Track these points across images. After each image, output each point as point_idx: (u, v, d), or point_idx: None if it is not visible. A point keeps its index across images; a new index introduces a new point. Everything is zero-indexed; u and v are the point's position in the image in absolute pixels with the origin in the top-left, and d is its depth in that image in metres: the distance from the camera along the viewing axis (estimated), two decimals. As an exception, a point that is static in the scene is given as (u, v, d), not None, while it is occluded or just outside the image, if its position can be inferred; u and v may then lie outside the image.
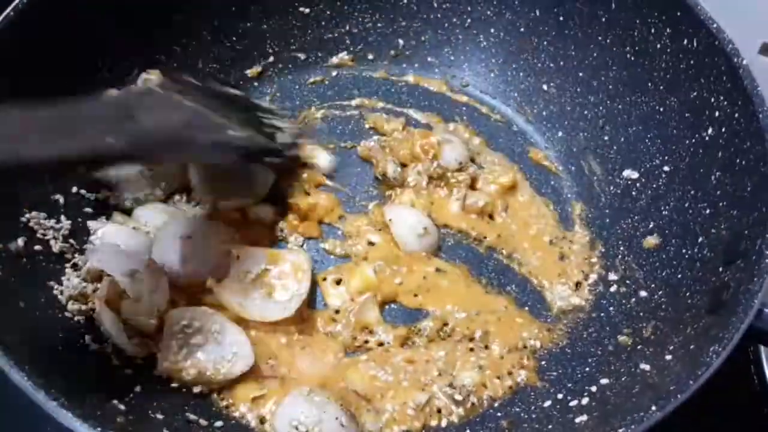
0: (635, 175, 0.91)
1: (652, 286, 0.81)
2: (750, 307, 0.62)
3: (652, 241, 0.85)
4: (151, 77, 0.92)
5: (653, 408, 0.57)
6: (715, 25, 0.80)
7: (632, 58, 0.91)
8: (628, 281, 0.85)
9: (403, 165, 0.94)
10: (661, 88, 0.88)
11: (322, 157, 0.96)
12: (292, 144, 0.94)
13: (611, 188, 0.94)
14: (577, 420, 0.68)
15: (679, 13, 0.83)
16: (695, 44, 0.82)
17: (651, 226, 0.86)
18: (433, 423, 0.75)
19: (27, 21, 0.79)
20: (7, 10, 0.78)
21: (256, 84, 1.05)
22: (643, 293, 0.82)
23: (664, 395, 0.58)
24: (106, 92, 0.87)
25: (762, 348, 0.89)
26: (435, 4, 1.05)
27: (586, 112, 0.98)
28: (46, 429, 0.77)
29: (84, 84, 0.86)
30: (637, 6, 0.88)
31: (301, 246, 0.88)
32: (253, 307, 0.78)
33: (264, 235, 0.88)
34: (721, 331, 0.62)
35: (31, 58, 0.80)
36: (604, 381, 0.73)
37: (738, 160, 0.75)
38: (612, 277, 0.87)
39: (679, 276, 0.78)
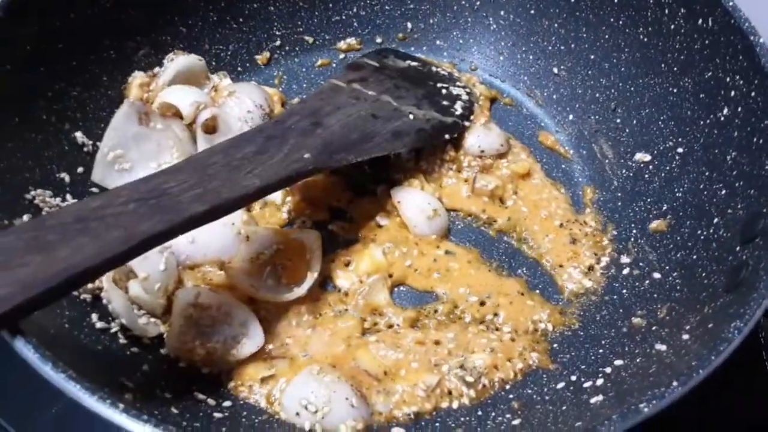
0: (648, 157, 0.90)
1: (666, 267, 0.80)
2: (771, 283, 0.61)
3: (665, 223, 0.84)
4: (176, 58, 0.92)
5: (675, 383, 0.56)
6: (731, 3, 0.79)
7: (645, 39, 0.90)
8: (641, 263, 0.84)
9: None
10: (675, 69, 0.87)
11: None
12: (465, 114, 0.95)
13: (623, 171, 0.92)
14: (592, 400, 0.67)
15: (693, -8, 0.82)
16: (710, 23, 0.81)
17: (664, 208, 0.85)
18: (444, 405, 0.74)
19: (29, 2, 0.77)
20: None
21: (263, 67, 1.03)
22: (656, 275, 0.81)
23: (684, 372, 0.57)
24: (290, 102, 0.97)
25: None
26: (444, -14, 1.04)
27: (597, 95, 0.97)
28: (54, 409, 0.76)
29: (89, 65, 0.87)
30: (650, -15, 0.87)
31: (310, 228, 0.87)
32: (265, 288, 0.77)
33: (273, 215, 0.86)
34: (742, 307, 0.60)
35: (34, 41, 0.79)
36: (618, 362, 0.72)
37: (755, 139, 0.74)
38: (624, 259, 0.86)
39: (695, 257, 0.77)
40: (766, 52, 0.75)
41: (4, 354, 0.53)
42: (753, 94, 0.76)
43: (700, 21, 0.82)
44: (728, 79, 0.79)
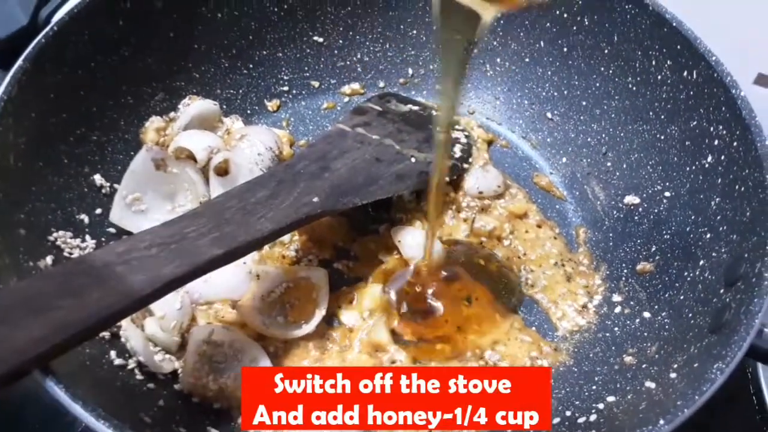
0: (637, 200, 0.94)
1: (656, 307, 0.84)
2: (751, 326, 0.65)
3: (654, 263, 0.88)
4: (191, 103, 0.96)
5: (661, 422, 0.60)
6: (714, 58, 0.83)
7: (634, 88, 0.95)
8: (632, 302, 0.88)
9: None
10: (662, 117, 0.91)
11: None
12: (464, 157, 0.99)
13: (614, 212, 0.97)
14: (586, 436, 0.71)
15: (679, 47, 0.87)
16: (695, 76, 0.86)
17: (653, 249, 0.89)
18: (445, 438, 0.77)
19: (50, 49, 0.81)
20: (38, 38, 0.81)
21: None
22: (647, 314, 0.84)
23: (671, 410, 0.61)
24: (299, 144, 1.01)
25: (760, 370, 0.92)
26: (444, 35, 1.09)
27: (589, 139, 1.02)
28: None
29: (108, 110, 0.91)
30: (638, 39, 0.92)
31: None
32: (275, 326, 0.81)
33: (281, 254, 0.90)
34: (724, 349, 0.64)
35: (58, 89, 0.83)
36: (610, 399, 0.76)
37: (737, 187, 0.79)
38: (616, 298, 0.90)
39: (682, 297, 0.81)
40: (747, 104, 0.80)
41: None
42: (735, 143, 0.80)
43: (685, 73, 0.87)
44: (712, 129, 0.84)
